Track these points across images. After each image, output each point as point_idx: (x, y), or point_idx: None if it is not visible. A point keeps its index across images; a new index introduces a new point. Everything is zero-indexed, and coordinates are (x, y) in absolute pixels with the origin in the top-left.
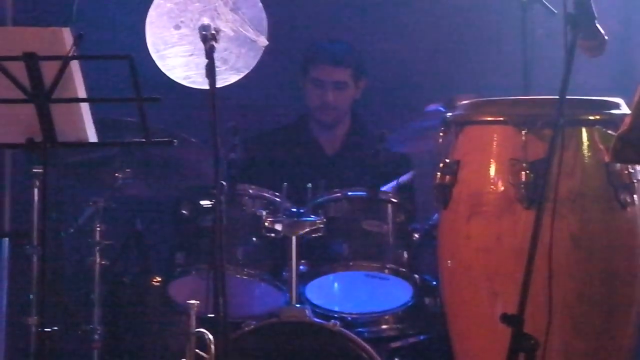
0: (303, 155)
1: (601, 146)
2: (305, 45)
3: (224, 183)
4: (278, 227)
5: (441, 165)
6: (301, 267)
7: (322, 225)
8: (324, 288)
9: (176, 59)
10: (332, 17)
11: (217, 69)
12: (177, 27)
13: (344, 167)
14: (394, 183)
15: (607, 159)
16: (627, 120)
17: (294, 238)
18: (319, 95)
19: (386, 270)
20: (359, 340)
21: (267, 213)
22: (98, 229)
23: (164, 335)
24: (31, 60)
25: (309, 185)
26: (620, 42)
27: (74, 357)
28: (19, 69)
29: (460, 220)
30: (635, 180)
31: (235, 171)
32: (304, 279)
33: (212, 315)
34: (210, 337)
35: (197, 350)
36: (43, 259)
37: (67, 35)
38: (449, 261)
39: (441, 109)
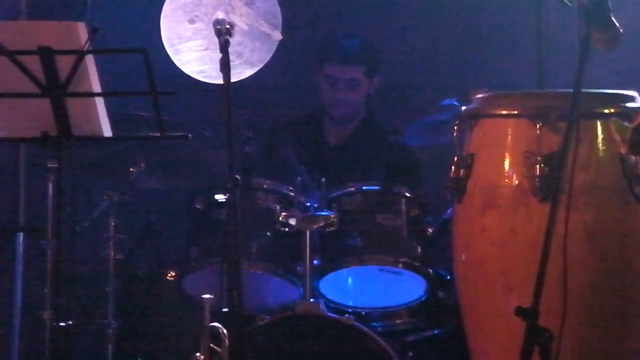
0: (305, 143)
1: (617, 138)
2: (319, 40)
3: (238, 177)
4: (292, 221)
5: (455, 158)
6: (315, 261)
7: (336, 220)
8: (338, 282)
9: (191, 53)
10: (347, 12)
11: (231, 63)
12: (192, 22)
13: (344, 158)
14: None
15: (623, 150)
16: None
17: (308, 232)
18: (331, 92)
19: (400, 265)
20: (373, 334)
21: (281, 207)
22: (112, 223)
23: (178, 329)
24: (46, 54)
25: (323, 179)
26: (636, 34)
27: (88, 352)
28: (34, 63)
29: (475, 214)
30: None
31: (249, 165)
32: (318, 273)
33: (227, 310)
34: (225, 331)
35: (211, 345)
36: (57, 254)
37: (82, 30)
38: (463, 255)
39: (455, 103)
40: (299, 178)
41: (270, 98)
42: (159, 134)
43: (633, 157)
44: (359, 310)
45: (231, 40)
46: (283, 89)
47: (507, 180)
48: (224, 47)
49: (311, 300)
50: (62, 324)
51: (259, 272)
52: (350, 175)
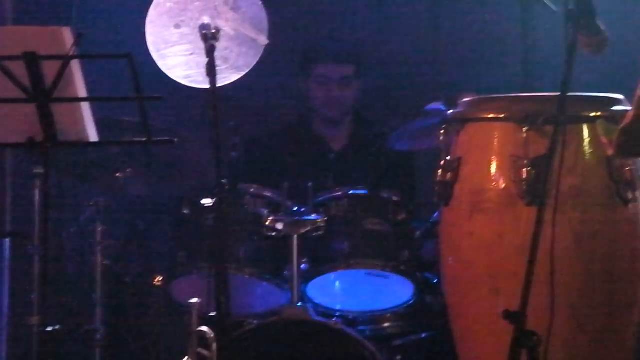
0: (310, 153)
1: (604, 139)
2: (306, 44)
3: (225, 182)
4: (279, 226)
5: (442, 162)
6: (302, 265)
7: (323, 224)
8: (325, 287)
9: (176, 58)
10: (332, 16)
11: (217, 68)
12: (178, 26)
13: (350, 163)
14: None
15: (610, 152)
16: (630, 114)
17: (295, 237)
18: (324, 91)
19: (387, 269)
20: (361, 338)
21: (268, 212)
22: (99, 228)
23: (166, 334)
24: (31, 59)
25: (310, 184)
26: (622, 38)
27: (76, 357)
28: (19, 69)
29: (462, 218)
30: (636, 177)
31: (236, 170)
32: (306, 277)
33: (214, 314)
34: (212, 335)
35: (199, 349)
36: (44, 259)
37: (67, 35)
38: (450, 258)
39: (442, 107)
40: (286, 183)
41: (257, 103)
42: (145, 139)
43: (619, 161)
44: (346, 314)
45: (217, 45)
46: (270, 93)
47: (494, 184)
48: (210, 52)
49: (299, 304)
50: (49, 329)
51: (246, 276)
52: (357, 180)
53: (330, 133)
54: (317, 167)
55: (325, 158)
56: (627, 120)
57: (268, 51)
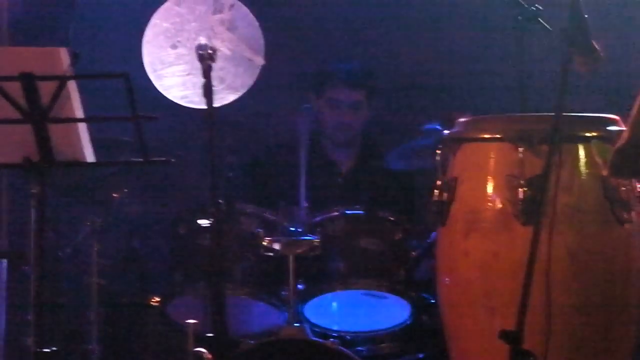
0: (318, 173)
1: (599, 160)
2: (304, 64)
3: (222, 202)
4: (276, 246)
5: (439, 182)
6: (299, 285)
7: (319, 244)
8: (322, 307)
9: (173, 78)
10: (328, 38)
11: (214, 88)
12: (174, 47)
13: (358, 185)
14: None
15: (604, 173)
16: (625, 135)
17: (291, 257)
18: (335, 115)
19: (384, 289)
20: (358, 359)
21: (264, 232)
22: (95, 248)
23: (163, 354)
24: (28, 80)
25: (305, 204)
26: (616, 58)
27: None
28: (15, 89)
29: (458, 237)
30: (632, 197)
31: (233, 190)
32: (303, 297)
33: (211, 334)
34: (209, 356)
35: None
36: (41, 279)
37: (63, 55)
38: (447, 278)
39: (438, 127)
40: (283, 202)
41: (253, 124)
42: (141, 159)
43: (615, 180)
44: (343, 334)
45: (214, 65)
46: (266, 114)
47: (490, 204)
48: (207, 72)
49: (296, 324)
50: (45, 349)
51: (243, 296)
52: (364, 202)
53: (338, 155)
54: (324, 188)
55: (334, 180)
56: (622, 140)
57: (264, 72)
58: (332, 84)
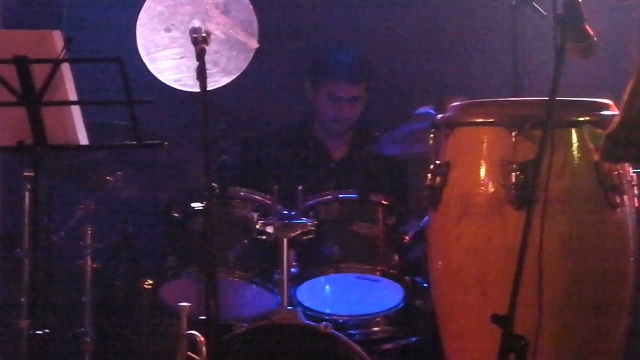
0: (310, 159)
1: (590, 145)
2: (313, 53)
3: (215, 185)
4: (269, 229)
5: (431, 166)
6: (292, 269)
7: (313, 228)
8: (315, 290)
9: (167, 61)
10: (322, 21)
11: (207, 72)
12: (168, 30)
13: (350, 171)
14: None
15: (596, 157)
16: (616, 119)
17: (285, 240)
18: (333, 108)
19: (377, 272)
20: (351, 342)
21: (258, 215)
22: (89, 232)
23: (155, 337)
24: (22, 63)
25: (300, 187)
26: (610, 43)
27: None
28: (9, 72)
29: (451, 222)
30: (624, 181)
31: (226, 173)
32: (295, 281)
33: (204, 318)
34: (202, 339)
35: (188, 353)
36: (34, 262)
37: (57, 38)
38: (439, 262)
39: (431, 111)
40: (276, 186)
41: (247, 107)
42: (135, 142)
43: (607, 165)
44: (336, 318)
45: (207, 48)
46: (260, 97)
47: (482, 189)
48: (201, 56)
49: (288, 308)
50: (38, 332)
51: (236, 280)
52: (357, 186)
53: (332, 142)
54: (316, 175)
55: (326, 166)
56: (613, 125)
57: (258, 55)
58: (332, 78)
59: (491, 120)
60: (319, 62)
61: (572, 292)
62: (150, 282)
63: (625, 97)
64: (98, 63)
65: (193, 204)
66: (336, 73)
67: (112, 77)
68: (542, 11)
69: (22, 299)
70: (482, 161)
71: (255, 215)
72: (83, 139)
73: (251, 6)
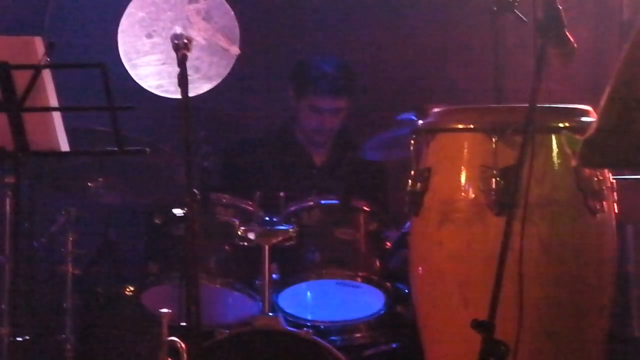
0: (292, 165)
1: (568, 151)
2: (276, 54)
3: (197, 192)
4: (251, 235)
5: (412, 172)
6: (274, 275)
7: (294, 234)
8: (296, 296)
9: (148, 67)
10: (304, 27)
11: (189, 78)
12: (149, 36)
13: (332, 177)
14: None
15: (574, 163)
16: (593, 125)
17: (266, 247)
18: (315, 119)
19: (358, 279)
20: (332, 348)
21: (240, 222)
22: (70, 238)
23: (137, 344)
24: (3, 69)
25: (282, 193)
26: (590, 50)
27: None
28: None
29: (432, 227)
30: (604, 187)
31: (208, 180)
32: (277, 287)
33: (185, 324)
34: (183, 345)
35: (169, 359)
36: (15, 268)
37: (38, 44)
38: (420, 268)
39: (413, 117)
40: (258, 193)
41: (229, 113)
42: (116, 149)
43: (587, 171)
44: (317, 324)
45: (189, 54)
46: (242, 103)
47: (463, 194)
48: (182, 62)
49: (270, 314)
50: (19, 338)
51: (217, 286)
52: (339, 192)
53: (313, 148)
54: (298, 181)
55: (308, 172)
56: (591, 131)
57: (240, 61)
58: (313, 92)
59: (472, 126)
60: (301, 73)
61: (552, 297)
62: (132, 288)
63: (602, 102)
64: (80, 69)
65: (175, 210)
66: (318, 86)
67: (94, 83)
68: (523, 17)
69: (3, 306)
70: (462, 167)
71: (237, 221)
72: (64, 145)
73: (232, 13)
